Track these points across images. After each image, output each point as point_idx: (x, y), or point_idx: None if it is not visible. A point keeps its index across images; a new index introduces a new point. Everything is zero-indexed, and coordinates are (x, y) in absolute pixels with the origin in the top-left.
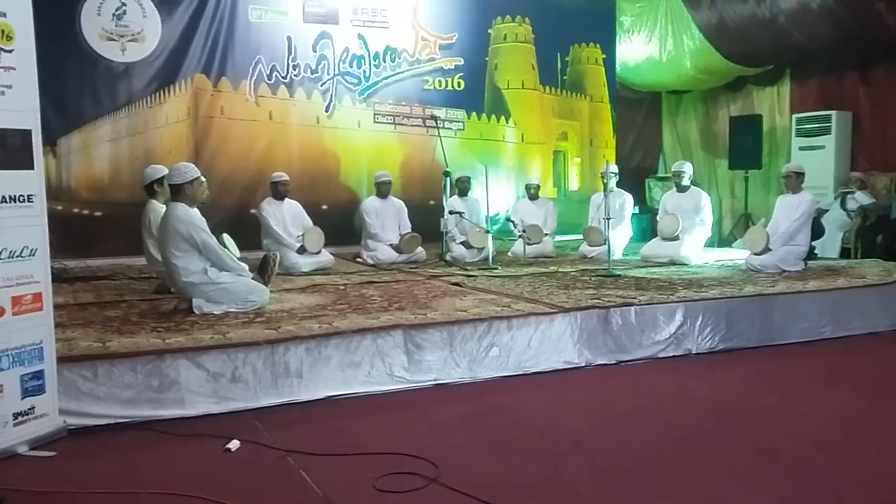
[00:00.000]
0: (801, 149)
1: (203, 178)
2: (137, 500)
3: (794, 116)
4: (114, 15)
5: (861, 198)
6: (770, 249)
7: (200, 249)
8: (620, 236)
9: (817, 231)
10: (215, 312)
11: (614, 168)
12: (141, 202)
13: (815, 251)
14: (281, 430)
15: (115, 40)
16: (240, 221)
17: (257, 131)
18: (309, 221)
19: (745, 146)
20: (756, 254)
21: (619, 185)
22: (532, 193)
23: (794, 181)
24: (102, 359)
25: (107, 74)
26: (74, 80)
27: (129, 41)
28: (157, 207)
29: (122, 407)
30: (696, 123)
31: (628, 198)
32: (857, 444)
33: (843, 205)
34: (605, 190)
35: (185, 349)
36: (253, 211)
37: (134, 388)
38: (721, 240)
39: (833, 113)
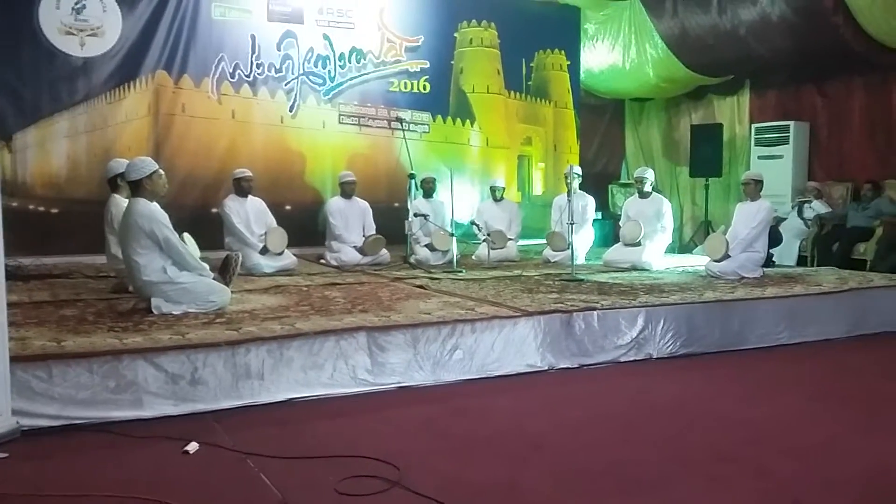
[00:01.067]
0: (760, 158)
1: (161, 171)
2: (92, 503)
3: (754, 126)
4: (73, 9)
5: (818, 207)
6: (729, 256)
7: (162, 246)
8: (583, 240)
9: (775, 239)
10: (174, 313)
11: (578, 170)
12: (99, 199)
13: (773, 259)
14: (241, 433)
15: (74, 35)
16: (201, 220)
17: (219, 130)
18: (272, 219)
19: (706, 154)
20: (716, 260)
21: (581, 187)
22: (497, 196)
23: (753, 189)
24: (57, 358)
25: (65, 69)
26: (32, 74)
27: (88, 36)
28: (120, 202)
29: (77, 408)
30: (659, 131)
31: (591, 200)
32: (813, 448)
33: (800, 213)
34: (569, 193)
35: (142, 350)
36: (215, 210)
37: (90, 388)
38: (682, 246)
39: (791, 123)
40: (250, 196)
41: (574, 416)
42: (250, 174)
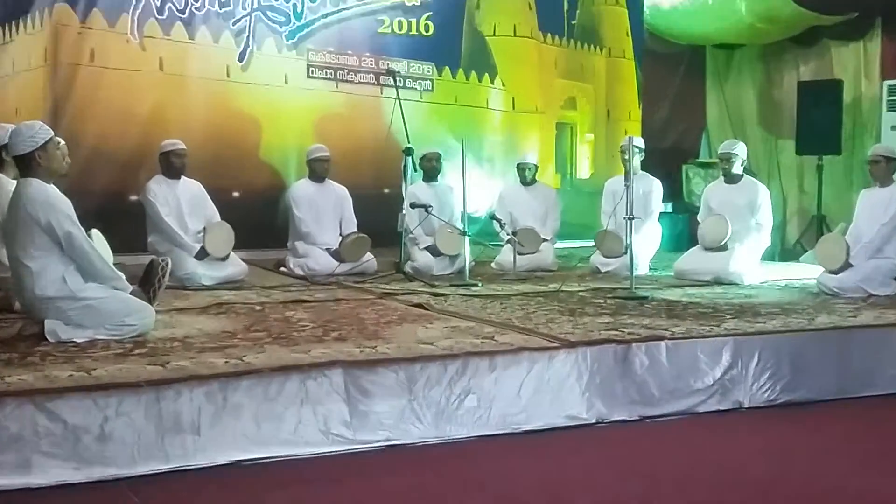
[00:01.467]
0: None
1: (60, 140)
2: None
3: (886, 83)
4: None
5: None
6: (851, 265)
7: (63, 246)
8: (646, 242)
9: None
10: (77, 340)
11: (639, 142)
12: None
13: None
14: None
15: None
16: (114, 212)
17: (142, 86)
18: (214, 210)
19: (819, 123)
20: (832, 271)
21: (644, 167)
22: (527, 177)
23: (884, 169)
24: None
25: None
26: None
27: None
28: (6, 184)
29: None
30: (753, 90)
31: (656, 184)
32: None
33: None
34: (626, 175)
35: (32, 391)
36: (134, 197)
37: None
38: (784, 251)
39: None
40: (183, 178)
41: (632, 490)
42: (183, 146)
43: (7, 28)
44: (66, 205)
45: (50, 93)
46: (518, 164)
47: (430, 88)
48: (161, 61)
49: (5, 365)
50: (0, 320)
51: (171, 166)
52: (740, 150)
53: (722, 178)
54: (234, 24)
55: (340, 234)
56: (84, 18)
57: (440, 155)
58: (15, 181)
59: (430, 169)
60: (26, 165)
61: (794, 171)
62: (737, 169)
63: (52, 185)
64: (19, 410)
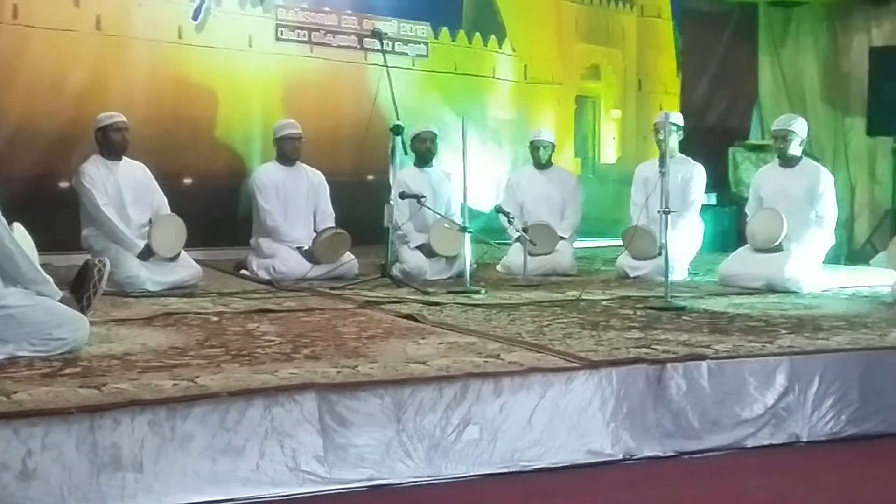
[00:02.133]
0: None
1: None
2: None
3: None
4: None
5: None
6: None
7: None
8: (685, 241)
9: None
10: None
11: (677, 119)
12: None
13: None
14: None
15: None
16: (41, 203)
17: (76, 49)
18: (162, 199)
19: None
20: None
21: (683, 150)
22: (542, 158)
23: None
24: None
25: None
26: None
27: None
28: None
29: None
30: (815, 58)
31: (698, 171)
32: None
33: None
34: (662, 159)
35: None
36: (65, 184)
37: None
38: (852, 252)
39: None
40: (125, 159)
41: None
42: (124, 119)
43: None
44: None
45: None
46: (531, 142)
47: (424, 54)
48: (98, 20)
49: None
50: None
51: (111, 144)
52: (799, 126)
53: (777, 160)
54: None
55: (315, 230)
56: None
57: (436, 135)
58: None
59: (424, 151)
60: None
61: (864, 157)
62: (794, 149)
63: None
64: None
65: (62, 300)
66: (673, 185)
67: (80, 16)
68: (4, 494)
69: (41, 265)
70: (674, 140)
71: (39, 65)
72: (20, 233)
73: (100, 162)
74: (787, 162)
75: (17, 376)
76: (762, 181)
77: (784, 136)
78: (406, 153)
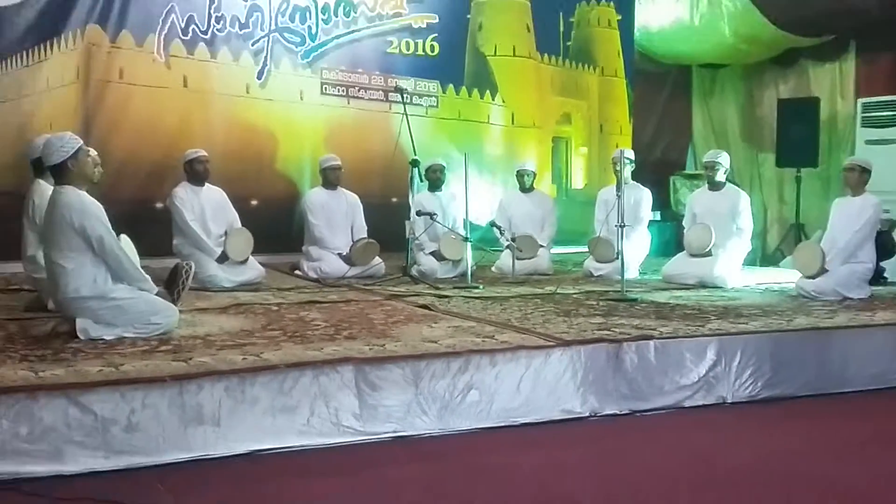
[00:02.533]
0: (869, 142)
1: (91, 150)
2: None
3: (860, 101)
4: None
5: None
6: (827, 270)
7: (95, 248)
8: (637, 248)
9: (888, 248)
10: (106, 337)
11: (630, 154)
12: (11, 191)
13: (885, 274)
14: (190, 495)
15: None
16: (141, 219)
17: (167, 102)
18: (235, 216)
19: (798, 138)
20: (810, 276)
21: (635, 177)
22: (526, 184)
23: (858, 179)
24: None
25: None
26: None
27: None
28: (46, 190)
29: None
30: (736, 107)
31: (646, 194)
32: None
33: None
34: (618, 184)
35: (64, 385)
36: (159, 205)
37: None
38: (765, 257)
39: None
40: (207, 185)
41: (623, 479)
42: (205, 154)
43: (42, 47)
44: (99, 210)
45: (82, 108)
46: (517, 171)
47: (435, 104)
48: (185, 79)
49: (39, 361)
50: (34, 319)
51: (196, 173)
52: (724, 159)
53: (706, 185)
54: (253, 44)
55: (352, 240)
56: (114, 38)
57: (444, 166)
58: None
59: (435, 179)
60: (60, 173)
61: (774, 183)
62: (720, 177)
63: (85, 192)
64: (52, 403)
65: (158, 294)
66: (627, 206)
67: (171, 76)
68: (114, 442)
69: (142, 267)
70: (627, 171)
71: (140, 113)
72: (126, 242)
73: (187, 187)
74: (715, 186)
75: (124, 352)
76: (695, 202)
77: (712, 166)
78: (421, 181)
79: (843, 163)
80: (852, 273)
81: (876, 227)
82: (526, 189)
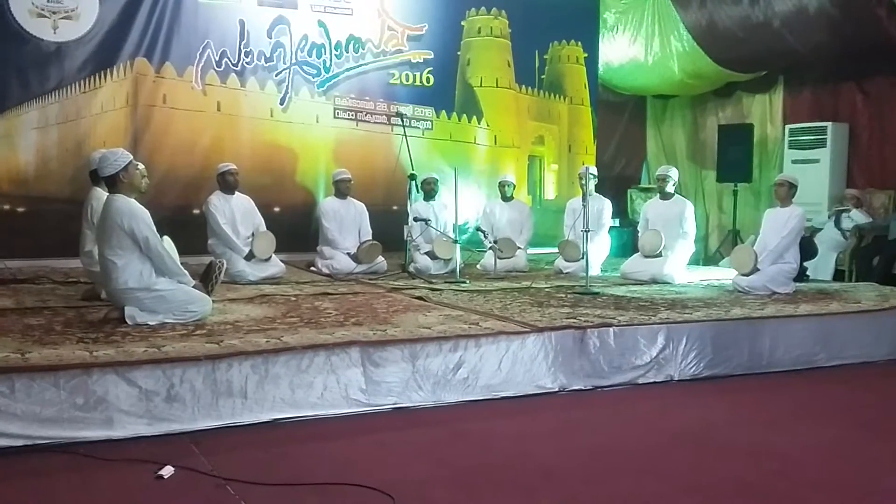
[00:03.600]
0: (795, 162)
1: (139, 164)
2: None
3: (788, 127)
4: None
5: (857, 216)
6: (759, 270)
7: (142, 248)
8: (599, 249)
9: (809, 251)
10: (150, 323)
11: (594, 170)
12: (70, 198)
13: (808, 273)
14: (221, 456)
15: (46, 17)
16: (181, 223)
17: (203, 123)
18: (261, 219)
19: (735, 157)
20: (744, 274)
21: (597, 190)
22: (507, 194)
23: (786, 192)
24: (21, 372)
25: (36, 55)
26: None
27: (62, 18)
28: (102, 196)
29: (41, 426)
30: (683, 131)
31: (607, 204)
32: (850, 482)
33: (837, 224)
34: (584, 197)
35: (114, 363)
36: (196, 211)
37: (56, 405)
38: (707, 257)
39: (829, 125)
40: (237, 193)
41: (587, 444)
42: (235, 167)
43: (97, 77)
44: (146, 215)
45: (131, 128)
46: (500, 182)
47: (430, 127)
48: (219, 104)
49: (93, 342)
50: (89, 307)
51: (227, 183)
52: (673, 173)
53: (658, 195)
54: (276, 75)
55: (359, 241)
56: (158, 69)
57: (437, 179)
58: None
59: (429, 190)
60: (113, 183)
61: (714, 195)
62: (670, 188)
63: (133, 199)
64: (104, 378)
65: (195, 286)
66: (591, 214)
67: (207, 101)
68: (156, 412)
69: (180, 263)
70: (592, 184)
71: (180, 133)
72: (168, 242)
73: (220, 195)
74: (665, 196)
75: (165, 335)
76: (648, 209)
77: (664, 178)
78: (418, 191)
79: (774, 179)
80: (780, 272)
81: (801, 233)
82: (507, 198)
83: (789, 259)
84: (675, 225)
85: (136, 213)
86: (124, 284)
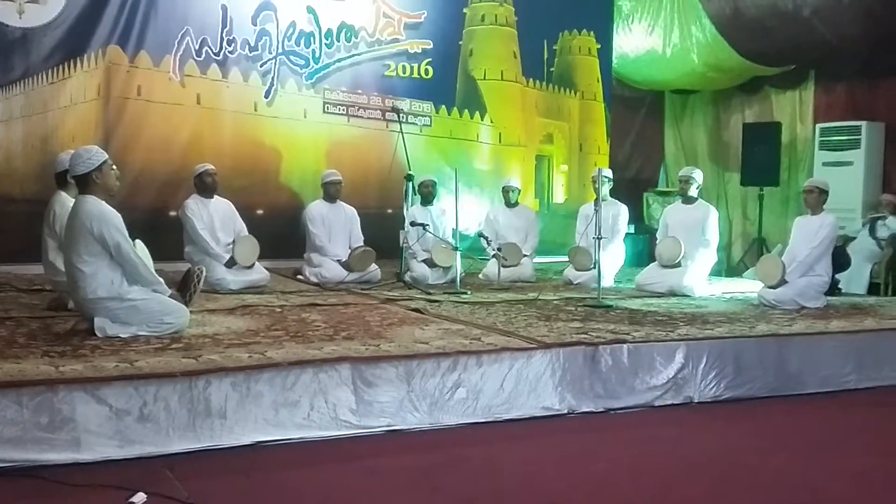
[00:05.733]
0: (826, 164)
1: (112, 163)
2: None
3: (818, 126)
4: None
5: (893, 224)
6: (786, 282)
7: (112, 254)
8: (612, 258)
9: (842, 262)
10: (122, 335)
11: (608, 173)
12: (35, 198)
13: (840, 286)
14: (198, 482)
15: (11, 1)
16: (156, 226)
17: (181, 118)
18: (242, 225)
19: (761, 159)
20: (770, 286)
21: (612, 194)
22: (511, 199)
23: (816, 199)
24: None
25: None
26: None
27: (28, 2)
28: (66, 201)
29: (1, 448)
30: (704, 130)
31: (623, 209)
32: None
33: (872, 232)
34: (596, 200)
35: (82, 379)
36: (173, 213)
37: (18, 425)
38: (730, 268)
39: (863, 124)
40: (216, 197)
41: (597, 471)
42: (213, 168)
43: (66, 66)
44: (117, 219)
45: (102, 123)
46: (503, 187)
47: (428, 124)
48: (198, 97)
49: (60, 356)
50: (55, 318)
51: (205, 185)
52: (697, 175)
53: (679, 199)
54: (261, 66)
55: (350, 248)
56: (132, 59)
57: (435, 182)
58: (73, 199)
59: (427, 194)
60: (84, 184)
61: (738, 200)
62: (693, 192)
63: (104, 202)
64: (71, 396)
65: (171, 296)
66: (605, 220)
67: (185, 94)
68: (127, 433)
69: (155, 270)
70: (605, 189)
71: (156, 128)
72: (141, 247)
73: (197, 199)
74: (688, 200)
75: (138, 349)
76: (669, 214)
77: (686, 181)
78: (415, 194)
79: (803, 185)
80: (810, 285)
81: (833, 244)
82: (511, 204)
83: (820, 272)
84: (696, 232)
85: (106, 217)
86: (93, 294)
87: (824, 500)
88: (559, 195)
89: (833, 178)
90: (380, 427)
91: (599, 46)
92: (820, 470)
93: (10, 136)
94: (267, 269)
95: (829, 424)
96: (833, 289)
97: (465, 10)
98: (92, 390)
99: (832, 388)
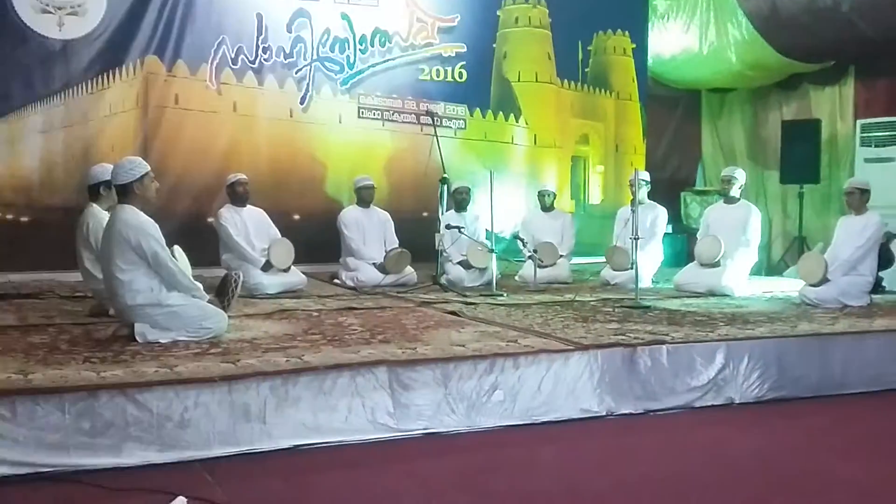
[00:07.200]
0: (868, 161)
1: (153, 175)
2: None
3: (859, 122)
4: None
5: None
6: (828, 280)
7: (150, 262)
8: (650, 259)
9: (886, 260)
10: (162, 341)
11: (645, 175)
12: (77, 207)
13: (884, 284)
14: (237, 486)
15: (51, 13)
16: (194, 232)
17: (218, 125)
18: (276, 231)
19: (801, 156)
20: (812, 285)
21: (650, 196)
22: (546, 204)
23: (858, 200)
24: (23, 394)
25: (40, 53)
26: (1, 59)
27: (67, 14)
28: (98, 213)
29: (45, 453)
30: (742, 128)
31: (662, 212)
32: None
33: None
34: (633, 202)
35: (123, 385)
36: (210, 220)
37: (61, 430)
38: (770, 267)
39: None
40: (249, 205)
41: (637, 473)
42: (245, 177)
43: (105, 76)
44: (154, 228)
45: (141, 131)
46: (539, 192)
47: (463, 127)
48: (235, 104)
49: (101, 362)
50: (96, 324)
51: (237, 194)
52: (740, 174)
53: (721, 198)
54: (296, 72)
55: (385, 251)
56: (170, 68)
57: (469, 188)
58: (106, 212)
59: (461, 201)
60: (125, 193)
61: (778, 198)
62: (735, 191)
63: (141, 211)
64: (113, 401)
65: (209, 301)
66: (643, 223)
67: (222, 102)
68: (168, 438)
69: (193, 276)
70: (643, 192)
71: (193, 136)
72: (179, 253)
73: (231, 208)
74: (730, 200)
75: (178, 354)
76: (710, 214)
77: (728, 181)
78: (450, 197)
79: (844, 186)
80: (853, 283)
81: (878, 243)
82: (546, 208)
83: (864, 271)
84: (737, 232)
85: (143, 227)
86: (133, 301)
87: (870, 500)
88: (595, 196)
89: (875, 174)
90: (417, 430)
91: (634, 46)
92: (866, 471)
93: (52, 146)
94: (304, 273)
95: (875, 425)
96: (877, 287)
97: (498, 13)
98: (133, 395)
99: (878, 387)
